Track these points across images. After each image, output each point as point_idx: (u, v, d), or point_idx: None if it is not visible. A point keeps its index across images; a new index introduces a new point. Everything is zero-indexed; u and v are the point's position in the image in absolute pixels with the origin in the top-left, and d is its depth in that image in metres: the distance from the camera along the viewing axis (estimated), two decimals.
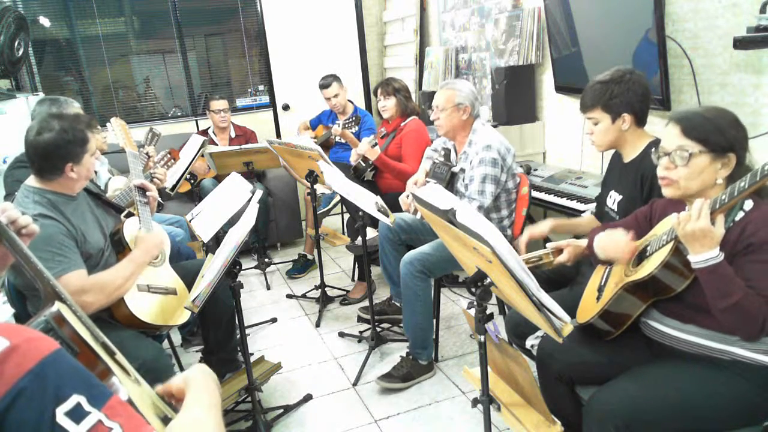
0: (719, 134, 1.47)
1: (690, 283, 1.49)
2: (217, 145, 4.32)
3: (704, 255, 1.38)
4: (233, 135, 4.43)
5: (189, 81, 5.20)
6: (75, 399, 0.68)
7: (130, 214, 2.33)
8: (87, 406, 0.69)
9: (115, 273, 2.01)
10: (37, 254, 1.82)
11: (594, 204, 2.62)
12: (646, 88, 1.94)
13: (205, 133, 4.43)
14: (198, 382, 0.99)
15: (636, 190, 1.92)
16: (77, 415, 0.68)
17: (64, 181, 2.00)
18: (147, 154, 2.92)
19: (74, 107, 2.76)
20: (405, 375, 2.63)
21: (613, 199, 2.05)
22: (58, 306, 0.97)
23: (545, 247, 2.08)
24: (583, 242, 1.94)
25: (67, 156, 1.95)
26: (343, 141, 4.07)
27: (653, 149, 1.61)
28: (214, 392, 0.99)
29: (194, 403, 0.94)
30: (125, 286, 2.00)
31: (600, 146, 2.02)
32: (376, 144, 3.23)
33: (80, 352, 0.93)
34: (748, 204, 1.45)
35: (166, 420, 0.98)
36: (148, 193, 2.34)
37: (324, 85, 4.08)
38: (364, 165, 3.48)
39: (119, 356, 1.11)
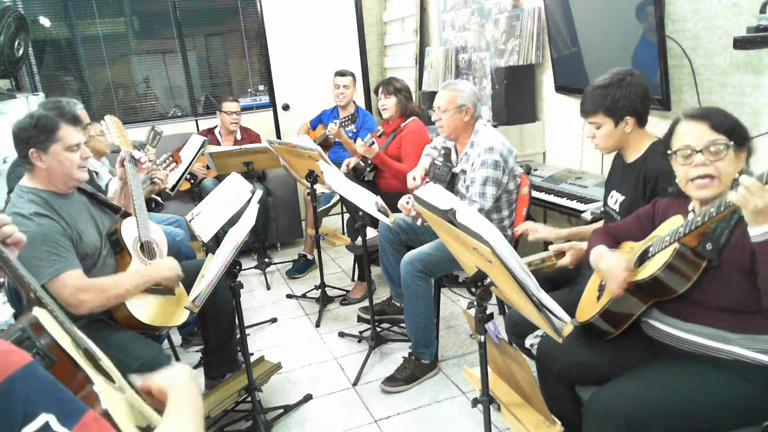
0: (740, 127, 1.49)
1: (692, 284, 1.49)
2: (220, 144, 4.32)
3: None
4: (239, 137, 4.43)
5: (189, 81, 5.19)
6: (43, 418, 0.66)
7: (127, 214, 2.33)
8: (56, 425, 0.66)
9: (119, 280, 2.02)
10: (33, 253, 1.84)
11: (594, 204, 2.63)
12: (646, 89, 1.94)
13: (210, 132, 4.42)
14: (182, 389, 0.97)
15: (638, 190, 1.92)
16: None
17: (41, 173, 2.00)
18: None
19: (77, 109, 2.74)
20: (408, 376, 2.63)
21: (615, 199, 2.05)
22: (35, 313, 0.95)
23: (547, 250, 2.08)
24: (585, 245, 1.94)
25: (29, 140, 1.95)
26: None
27: (669, 152, 1.58)
28: (198, 401, 0.96)
29: (177, 414, 0.92)
30: (125, 296, 2.01)
31: (604, 149, 2.02)
32: (374, 143, 3.23)
33: (58, 360, 0.91)
34: None
35: (148, 430, 0.96)
36: (141, 165, 2.37)
37: (341, 73, 4.15)
38: (363, 165, 3.48)
39: (104, 362, 1.08)
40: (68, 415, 0.67)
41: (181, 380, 0.99)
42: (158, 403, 1.00)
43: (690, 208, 1.61)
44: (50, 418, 0.66)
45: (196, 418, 0.92)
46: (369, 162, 3.43)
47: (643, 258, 1.62)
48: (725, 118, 1.50)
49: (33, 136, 1.95)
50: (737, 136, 1.48)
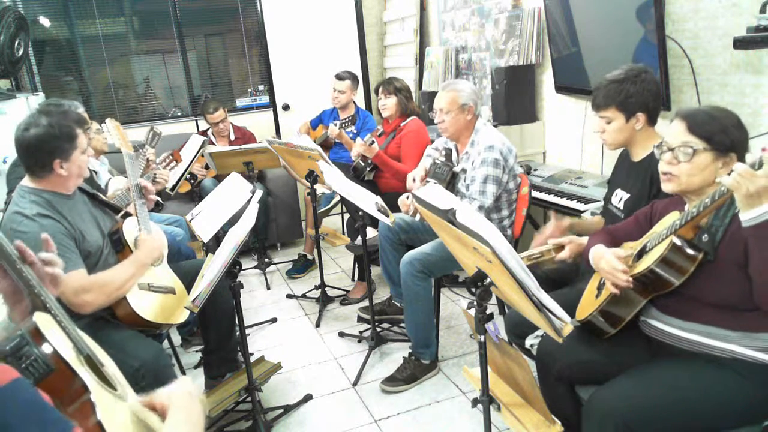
0: (723, 134, 1.48)
1: (689, 278, 1.49)
2: (215, 145, 4.32)
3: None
4: (233, 137, 4.42)
5: (189, 81, 5.19)
6: None
7: (127, 215, 2.33)
8: None
9: (115, 273, 2.01)
10: (35, 253, 1.83)
11: (594, 204, 2.63)
12: (659, 87, 1.94)
13: (204, 133, 4.43)
14: (180, 405, 0.96)
15: (644, 189, 1.92)
16: None
17: (56, 178, 1.98)
18: (147, 158, 2.91)
19: (80, 111, 2.73)
20: (408, 377, 2.63)
21: (619, 197, 2.04)
22: (35, 319, 0.94)
23: (546, 244, 2.07)
24: (584, 240, 1.94)
25: (54, 152, 1.92)
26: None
27: (656, 144, 1.61)
28: (197, 418, 0.96)
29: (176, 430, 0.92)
30: (125, 286, 2.00)
31: (611, 145, 2.02)
32: (374, 142, 3.23)
33: (56, 369, 0.90)
34: None
35: None
36: (148, 197, 2.33)
37: (339, 77, 4.13)
38: (363, 164, 3.48)
39: (107, 369, 1.08)
40: None
41: (182, 396, 0.98)
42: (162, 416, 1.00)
43: (686, 208, 1.61)
44: None
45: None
46: (369, 162, 3.43)
47: (641, 254, 1.63)
48: (707, 123, 1.49)
49: (58, 147, 1.92)
50: (716, 142, 1.48)
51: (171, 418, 0.94)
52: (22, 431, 0.65)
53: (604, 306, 1.66)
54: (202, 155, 3.68)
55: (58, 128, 1.91)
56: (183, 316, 2.17)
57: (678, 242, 1.48)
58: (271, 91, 5.35)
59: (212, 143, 4.33)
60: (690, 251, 1.47)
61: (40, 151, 1.93)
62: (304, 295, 3.71)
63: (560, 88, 3.29)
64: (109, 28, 4.99)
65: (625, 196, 2.01)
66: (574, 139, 3.35)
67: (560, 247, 2.03)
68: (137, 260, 2.09)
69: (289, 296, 3.77)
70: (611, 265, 1.61)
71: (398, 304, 3.16)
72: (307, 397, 2.62)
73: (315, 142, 3.43)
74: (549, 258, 2.04)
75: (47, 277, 1.12)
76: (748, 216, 1.34)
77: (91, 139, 3.01)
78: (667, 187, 1.57)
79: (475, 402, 1.75)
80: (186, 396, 0.99)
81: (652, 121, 1.95)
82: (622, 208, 2.02)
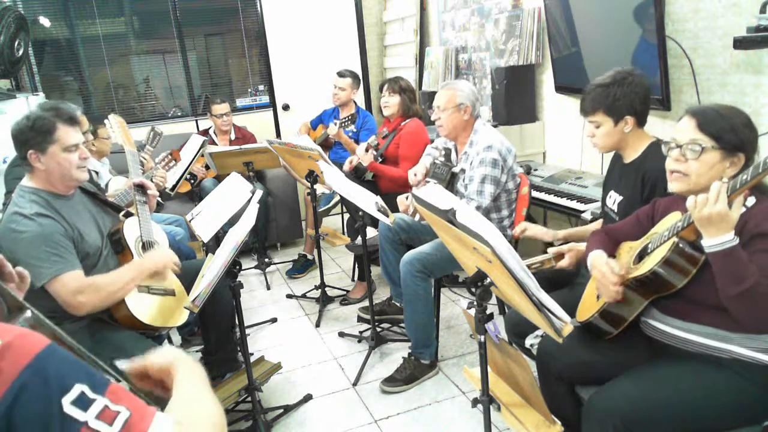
0: (733, 132, 1.48)
1: (691, 279, 1.49)
2: (216, 144, 4.33)
3: (720, 238, 1.36)
4: (233, 137, 4.43)
5: (189, 81, 5.19)
6: (78, 388, 0.70)
7: (129, 214, 2.32)
8: (91, 394, 0.70)
9: (113, 277, 2.01)
10: (33, 253, 1.84)
11: (594, 204, 2.63)
12: (647, 89, 1.93)
13: (205, 132, 4.43)
14: (187, 364, 0.97)
15: (637, 190, 1.92)
16: (83, 402, 0.69)
17: (40, 173, 1.98)
18: (141, 161, 2.91)
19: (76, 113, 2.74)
20: (408, 377, 2.63)
21: (613, 199, 2.05)
22: (29, 314, 0.95)
23: (546, 252, 2.08)
24: (584, 246, 1.94)
25: (27, 142, 1.94)
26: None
27: (663, 141, 1.60)
28: (205, 375, 0.97)
29: (192, 382, 0.92)
30: (122, 291, 2.00)
31: (602, 149, 2.02)
32: (377, 144, 3.23)
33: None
34: (750, 200, 1.46)
35: None
36: (148, 192, 2.33)
37: (341, 74, 4.15)
38: (363, 165, 3.48)
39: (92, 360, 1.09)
40: (98, 385, 0.72)
41: (184, 356, 0.99)
42: (154, 384, 0.99)
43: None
44: (84, 387, 0.70)
45: (210, 392, 0.92)
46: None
47: (642, 255, 1.63)
48: (717, 121, 1.49)
49: (30, 138, 1.93)
50: (725, 141, 1.48)
51: (183, 373, 0.94)
52: (76, 379, 0.70)
53: (605, 307, 1.66)
54: (202, 155, 3.68)
55: (33, 120, 1.94)
56: (182, 319, 2.16)
57: (681, 244, 1.48)
58: (271, 91, 5.35)
59: (213, 143, 4.34)
60: (693, 253, 1.47)
61: (16, 142, 1.96)
62: (304, 295, 3.70)
63: (560, 88, 3.29)
64: (109, 28, 4.99)
65: (619, 198, 2.01)
66: (574, 139, 3.34)
67: (560, 256, 2.03)
68: (138, 266, 2.08)
69: (289, 296, 3.77)
70: (606, 277, 1.61)
71: (398, 304, 3.16)
72: (307, 397, 2.62)
73: (315, 142, 3.42)
74: (549, 267, 2.05)
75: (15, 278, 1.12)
76: (706, 243, 1.38)
77: (88, 141, 3.01)
78: (674, 186, 1.56)
79: (475, 402, 1.75)
80: (188, 358, 0.99)
81: (641, 122, 1.95)
82: (616, 210, 2.02)
